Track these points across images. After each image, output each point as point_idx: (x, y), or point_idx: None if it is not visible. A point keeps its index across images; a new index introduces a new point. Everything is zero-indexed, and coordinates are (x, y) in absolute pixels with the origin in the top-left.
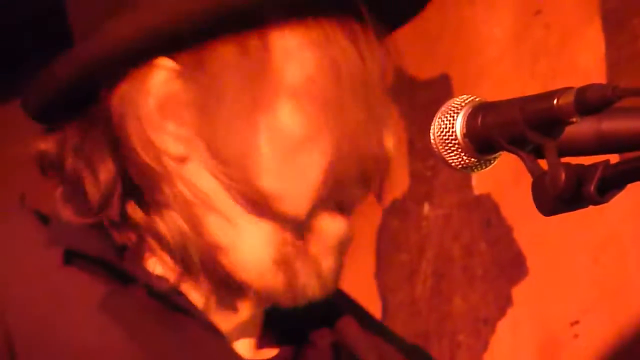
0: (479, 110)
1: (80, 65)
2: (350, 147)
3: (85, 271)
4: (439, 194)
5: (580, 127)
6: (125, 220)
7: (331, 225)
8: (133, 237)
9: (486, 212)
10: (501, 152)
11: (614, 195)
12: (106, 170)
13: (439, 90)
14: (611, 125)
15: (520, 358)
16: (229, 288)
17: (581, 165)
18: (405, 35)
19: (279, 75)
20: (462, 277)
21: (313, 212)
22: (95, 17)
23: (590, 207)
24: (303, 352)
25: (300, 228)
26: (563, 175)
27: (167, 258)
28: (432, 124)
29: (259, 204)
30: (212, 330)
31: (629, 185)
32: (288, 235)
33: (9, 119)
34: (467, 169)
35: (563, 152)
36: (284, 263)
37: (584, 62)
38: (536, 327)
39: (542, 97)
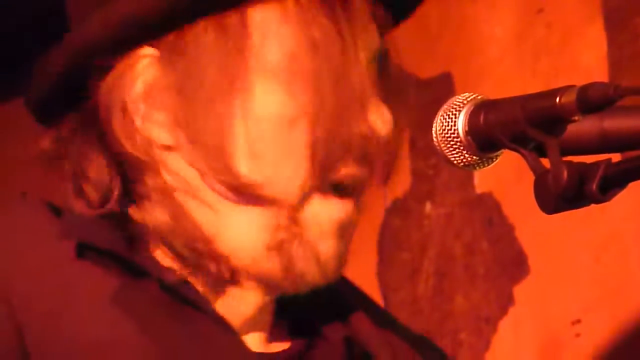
0: (481, 108)
1: (65, 59)
2: (332, 126)
3: (98, 264)
4: (441, 192)
5: (582, 126)
6: (126, 214)
7: (326, 209)
8: (137, 229)
9: (488, 210)
10: (503, 150)
11: (615, 193)
12: (97, 165)
13: (441, 89)
14: (613, 123)
15: (522, 357)
16: (227, 278)
17: (583, 164)
18: (406, 34)
19: (257, 55)
20: (463, 276)
21: (306, 196)
22: (84, 10)
23: (592, 205)
24: (315, 345)
25: (294, 213)
26: (565, 174)
27: (166, 250)
28: (435, 122)
29: (242, 191)
30: (223, 324)
31: (631, 184)
32: (282, 221)
33: (9, 119)
34: (469, 166)
35: (565, 151)
36: (278, 248)
37: (586, 61)
38: (538, 326)
39: (544, 96)
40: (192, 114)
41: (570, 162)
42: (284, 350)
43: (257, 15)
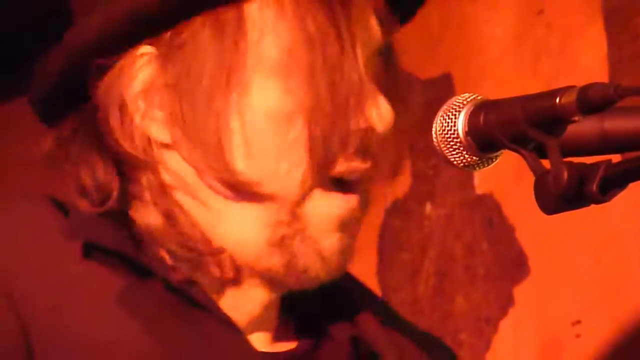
0: (481, 109)
1: (64, 58)
2: (329, 121)
3: (104, 264)
4: (441, 193)
5: (583, 126)
6: (127, 214)
7: (328, 204)
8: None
9: (488, 211)
10: (503, 151)
11: (615, 194)
12: (96, 165)
13: (441, 90)
14: (613, 124)
15: (522, 357)
16: (231, 276)
17: (583, 164)
18: (406, 35)
19: (253, 50)
20: (464, 277)
21: (307, 192)
22: (87, 7)
23: (592, 206)
24: (321, 345)
25: (295, 208)
26: (565, 174)
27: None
28: (434, 122)
29: (239, 188)
30: (228, 323)
31: (631, 185)
32: (283, 216)
33: (9, 119)
34: (469, 167)
35: (565, 151)
36: (280, 244)
37: (586, 62)
38: (538, 326)
39: (544, 96)
40: (189, 111)
41: (570, 163)
42: (290, 350)
43: (253, 11)
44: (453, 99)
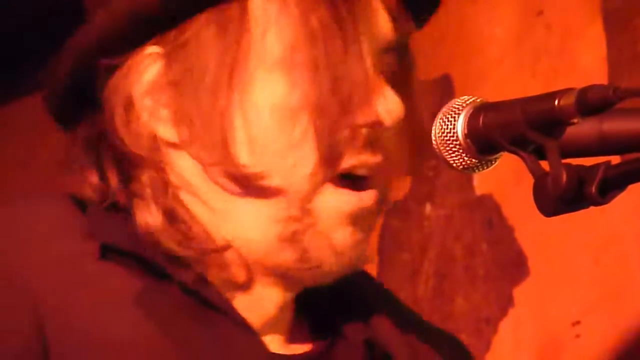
0: (480, 111)
1: (72, 59)
2: (335, 116)
3: (120, 264)
4: (441, 194)
5: (582, 128)
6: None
7: (338, 199)
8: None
9: (488, 212)
10: (502, 153)
11: (615, 195)
12: (104, 166)
13: (441, 90)
14: (612, 126)
15: (522, 358)
16: (243, 274)
17: (582, 166)
18: None
19: (256, 46)
20: (464, 277)
21: (317, 186)
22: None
23: (592, 207)
24: (335, 346)
25: (305, 203)
26: (565, 176)
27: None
28: (434, 124)
29: (245, 182)
30: (243, 325)
31: (630, 186)
32: (294, 212)
33: (9, 119)
34: (469, 169)
35: (564, 153)
36: (291, 240)
37: (586, 63)
38: (538, 327)
39: (543, 98)
40: (194, 108)
41: (569, 165)
42: (304, 353)
43: (256, 7)
44: (452, 101)
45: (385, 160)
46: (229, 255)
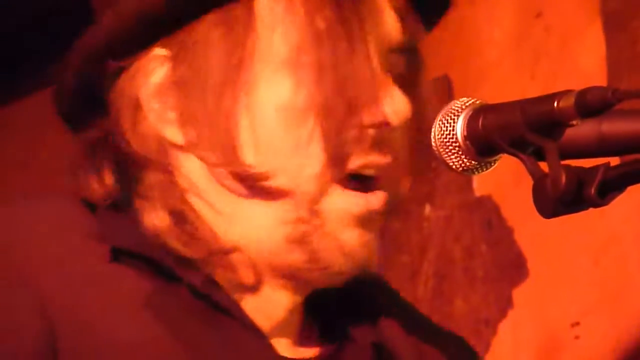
0: (479, 113)
1: (80, 59)
2: (341, 116)
3: (131, 266)
4: (440, 195)
5: (581, 130)
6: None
7: (345, 202)
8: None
9: (487, 213)
10: (502, 155)
11: (614, 197)
12: (111, 168)
13: (440, 92)
14: (611, 127)
15: (521, 359)
16: (250, 276)
17: (582, 168)
18: None
19: (262, 47)
20: (463, 279)
21: (324, 187)
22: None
23: (591, 209)
24: (344, 350)
25: (313, 204)
26: (564, 178)
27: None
28: (433, 126)
29: (251, 183)
30: (253, 329)
31: (630, 188)
32: (302, 213)
33: (9, 120)
34: (468, 171)
35: (563, 155)
36: (299, 241)
37: (585, 64)
38: (537, 328)
39: (542, 100)
40: (200, 110)
41: (568, 166)
42: (314, 356)
43: (263, 7)
44: (452, 103)
45: (393, 160)
46: (236, 257)
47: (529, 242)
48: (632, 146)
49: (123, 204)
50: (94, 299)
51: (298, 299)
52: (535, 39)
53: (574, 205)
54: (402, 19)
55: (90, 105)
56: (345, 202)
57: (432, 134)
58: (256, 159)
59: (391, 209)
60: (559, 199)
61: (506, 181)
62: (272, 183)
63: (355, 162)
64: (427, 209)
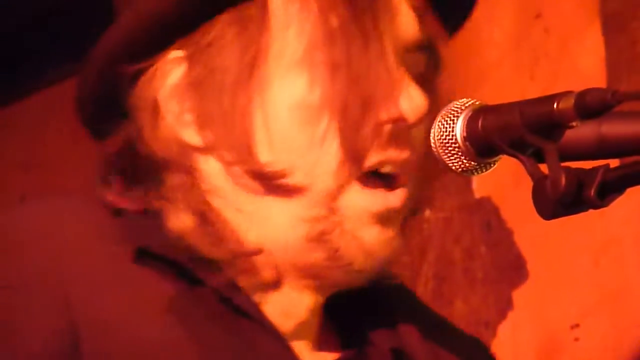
0: (479, 114)
1: (97, 65)
2: (357, 113)
3: (154, 269)
4: (440, 196)
5: (580, 131)
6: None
7: (364, 200)
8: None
9: (486, 215)
10: (501, 156)
11: (614, 199)
12: (131, 172)
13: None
14: (611, 129)
15: None
16: (272, 275)
17: (581, 169)
18: None
19: (276, 45)
20: (462, 280)
21: (343, 185)
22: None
23: (591, 210)
24: (364, 354)
25: (332, 202)
26: (563, 179)
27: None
28: (433, 127)
29: (269, 182)
30: (274, 333)
31: (629, 189)
32: (321, 211)
33: (9, 120)
34: (468, 172)
35: (563, 156)
36: (319, 240)
37: (584, 65)
38: (537, 330)
39: (542, 101)
40: (216, 109)
41: (568, 168)
42: None
43: (277, 6)
44: (451, 104)
45: (412, 156)
46: (260, 258)
47: (528, 244)
48: (631, 148)
49: (148, 207)
50: (117, 301)
51: (320, 299)
52: (534, 40)
53: (574, 207)
54: (420, 17)
55: (113, 112)
56: (364, 200)
57: (432, 134)
58: (272, 156)
59: (415, 207)
60: (559, 201)
61: (506, 182)
62: (289, 181)
63: (373, 159)
64: (427, 210)
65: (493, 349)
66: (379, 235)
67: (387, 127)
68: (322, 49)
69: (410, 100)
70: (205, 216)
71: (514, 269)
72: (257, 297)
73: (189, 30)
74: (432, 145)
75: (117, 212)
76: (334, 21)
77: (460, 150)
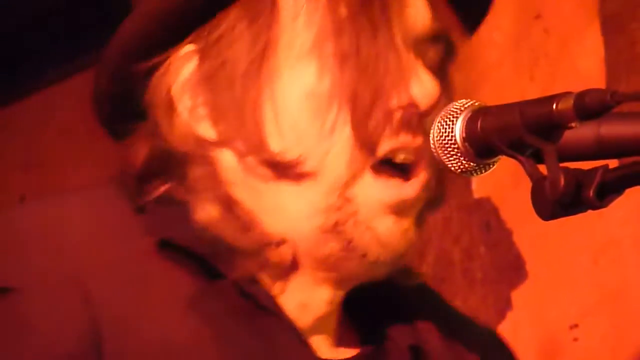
0: (478, 115)
1: (111, 62)
2: (368, 102)
3: (177, 262)
4: None
5: (580, 132)
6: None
7: (378, 190)
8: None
9: (486, 215)
10: (500, 156)
11: (613, 199)
12: (154, 168)
13: None
14: (610, 130)
15: None
16: (289, 263)
17: (580, 170)
18: None
19: (286, 36)
20: (462, 281)
21: (356, 174)
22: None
23: (590, 211)
24: (382, 350)
25: (345, 191)
26: (562, 180)
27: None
28: (432, 128)
29: (282, 171)
30: (293, 330)
31: (628, 190)
32: (334, 200)
33: (9, 120)
34: (467, 173)
35: (562, 157)
36: (333, 230)
37: (584, 66)
38: (536, 330)
39: (541, 102)
40: (228, 100)
41: (567, 168)
42: (352, 357)
43: None
44: (450, 104)
45: (426, 143)
46: (284, 248)
47: (527, 244)
48: (630, 149)
49: (178, 199)
50: (138, 298)
51: (339, 294)
52: (534, 41)
53: (573, 207)
54: (433, 7)
55: (130, 112)
56: (378, 191)
57: (431, 135)
58: (284, 145)
59: (432, 199)
60: (558, 201)
61: (505, 183)
62: (302, 169)
63: (385, 146)
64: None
65: None
66: (394, 226)
67: (398, 114)
68: (331, 39)
69: (422, 87)
70: (230, 206)
71: (513, 270)
72: (276, 288)
73: (201, 24)
74: (432, 146)
75: (141, 209)
76: (343, 11)
77: (459, 151)
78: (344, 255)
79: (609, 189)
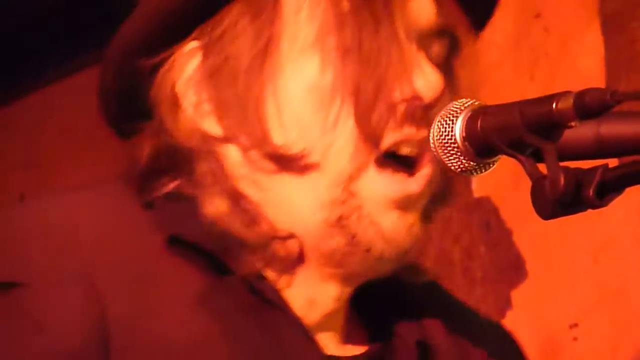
0: (478, 114)
1: (115, 59)
2: (371, 96)
3: (185, 258)
4: None
5: (579, 131)
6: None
7: (382, 184)
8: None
9: (486, 214)
10: (500, 156)
11: (612, 198)
12: (162, 165)
13: None
14: (610, 129)
15: None
16: (296, 257)
17: (580, 169)
18: None
19: (288, 30)
20: (462, 280)
21: (360, 167)
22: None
23: (590, 210)
24: (390, 347)
25: (349, 185)
26: (562, 179)
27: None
28: (432, 127)
29: (286, 164)
30: (300, 327)
31: (628, 189)
32: (339, 194)
33: (9, 120)
34: (467, 172)
35: (562, 156)
36: (338, 224)
37: (584, 65)
38: (536, 329)
39: (541, 101)
40: (231, 95)
41: (567, 168)
42: (360, 354)
43: None
44: (450, 104)
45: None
46: (292, 243)
47: (527, 244)
48: (630, 148)
49: (186, 195)
50: (147, 294)
51: (346, 290)
52: (534, 40)
53: (573, 207)
54: (438, 2)
55: (136, 110)
56: (382, 186)
57: (431, 134)
58: (287, 139)
59: (439, 195)
60: (558, 200)
61: (505, 182)
62: (305, 162)
63: (389, 139)
64: None
65: None
66: (398, 221)
67: (402, 107)
68: (333, 33)
69: (425, 80)
70: (238, 200)
71: (513, 269)
72: (282, 282)
73: (204, 20)
74: (432, 145)
75: (149, 205)
76: (345, 5)
77: (459, 150)
78: (348, 250)
79: (608, 188)
